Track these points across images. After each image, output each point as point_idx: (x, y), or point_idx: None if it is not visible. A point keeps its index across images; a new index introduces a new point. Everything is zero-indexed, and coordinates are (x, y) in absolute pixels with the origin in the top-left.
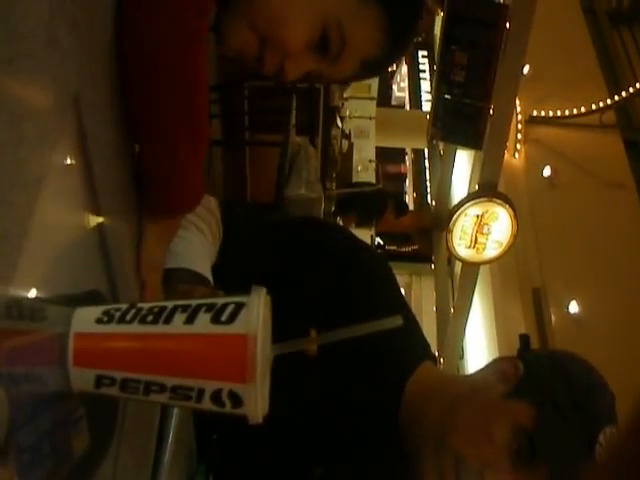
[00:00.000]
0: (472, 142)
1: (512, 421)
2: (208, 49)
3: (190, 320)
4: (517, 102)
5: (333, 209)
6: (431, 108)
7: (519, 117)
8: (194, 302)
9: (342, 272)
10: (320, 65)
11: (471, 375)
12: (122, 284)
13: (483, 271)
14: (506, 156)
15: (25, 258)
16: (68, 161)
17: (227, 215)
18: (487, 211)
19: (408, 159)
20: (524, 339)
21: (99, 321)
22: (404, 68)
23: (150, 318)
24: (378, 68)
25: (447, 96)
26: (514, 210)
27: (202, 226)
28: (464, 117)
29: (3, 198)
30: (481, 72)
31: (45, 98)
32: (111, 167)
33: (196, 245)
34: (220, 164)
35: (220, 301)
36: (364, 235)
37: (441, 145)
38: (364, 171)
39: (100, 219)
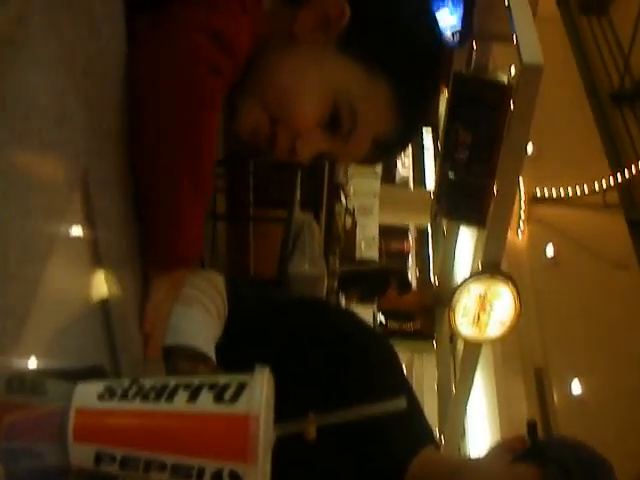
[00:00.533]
0: (475, 220)
1: None
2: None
3: (192, 398)
4: (521, 181)
5: (336, 285)
6: (435, 186)
7: (522, 196)
8: (197, 380)
9: (344, 354)
10: (332, 144)
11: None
12: (125, 359)
13: (485, 349)
14: (509, 235)
15: (28, 332)
16: (75, 235)
17: (232, 293)
18: (490, 289)
19: (411, 236)
20: (531, 426)
21: (101, 397)
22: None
23: (152, 395)
24: (391, 150)
25: (451, 174)
26: (517, 289)
27: (207, 303)
28: (468, 195)
29: (9, 272)
30: (485, 151)
31: (54, 173)
32: (117, 242)
33: (200, 322)
34: (224, 239)
35: (223, 380)
36: (366, 312)
37: (444, 223)
38: (367, 248)
39: (105, 294)
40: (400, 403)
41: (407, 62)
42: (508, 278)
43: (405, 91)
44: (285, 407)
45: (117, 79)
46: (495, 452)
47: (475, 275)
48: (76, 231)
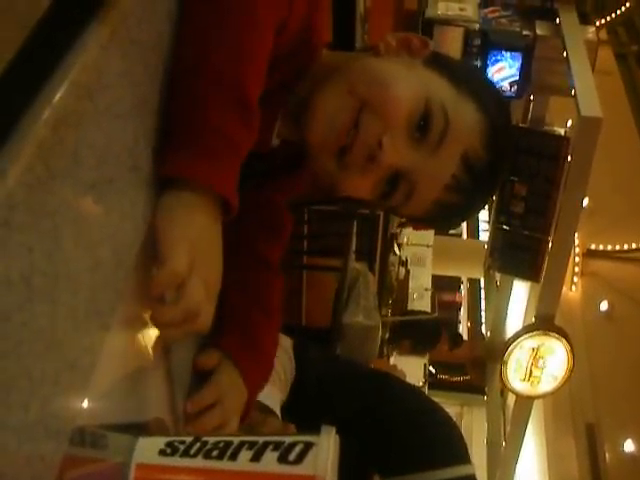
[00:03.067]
0: (530, 274)
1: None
2: None
3: (256, 458)
4: (576, 235)
5: (387, 336)
6: (489, 238)
7: (577, 250)
8: (261, 439)
9: (412, 426)
10: (417, 158)
11: None
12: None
13: (536, 404)
14: (563, 289)
15: (92, 386)
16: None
17: (300, 356)
18: (543, 344)
19: (464, 288)
20: None
21: (162, 453)
22: None
23: (215, 453)
24: (473, 189)
25: (505, 227)
26: (571, 344)
27: (278, 368)
28: (522, 248)
29: (77, 325)
30: (541, 204)
31: (122, 223)
32: None
33: (270, 385)
34: None
35: (288, 439)
36: (417, 363)
37: (497, 276)
38: (420, 299)
39: (167, 349)
40: (468, 469)
41: (489, 95)
42: (562, 335)
43: (490, 120)
44: (348, 468)
45: None
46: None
47: (528, 330)
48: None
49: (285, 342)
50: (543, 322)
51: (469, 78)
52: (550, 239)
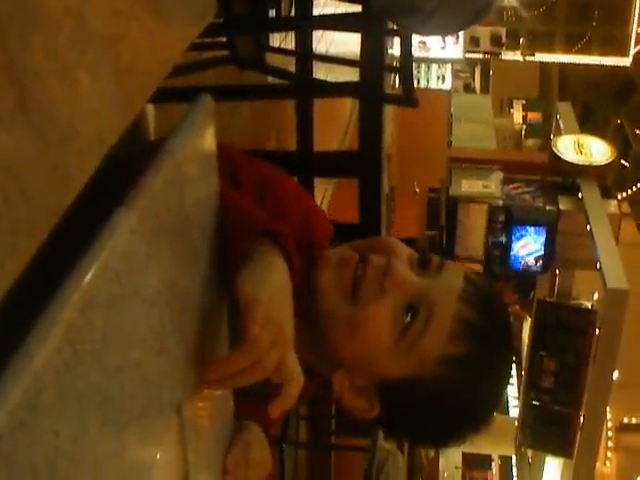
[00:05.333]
0: (562, 450)
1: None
2: None
3: None
4: (607, 408)
5: None
6: (519, 414)
7: (609, 424)
8: None
9: None
10: (424, 281)
11: None
12: None
13: None
14: (597, 464)
15: None
16: (167, 473)
17: None
18: None
19: (495, 466)
20: None
21: None
22: None
23: None
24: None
25: (535, 402)
26: None
27: None
28: (553, 424)
29: None
30: (571, 378)
31: (148, 408)
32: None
33: None
34: (305, 468)
35: None
36: None
37: (529, 452)
38: (450, 478)
39: None
40: None
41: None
42: None
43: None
44: None
45: (213, 315)
46: None
47: None
48: (168, 469)
49: None
50: None
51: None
52: (581, 414)
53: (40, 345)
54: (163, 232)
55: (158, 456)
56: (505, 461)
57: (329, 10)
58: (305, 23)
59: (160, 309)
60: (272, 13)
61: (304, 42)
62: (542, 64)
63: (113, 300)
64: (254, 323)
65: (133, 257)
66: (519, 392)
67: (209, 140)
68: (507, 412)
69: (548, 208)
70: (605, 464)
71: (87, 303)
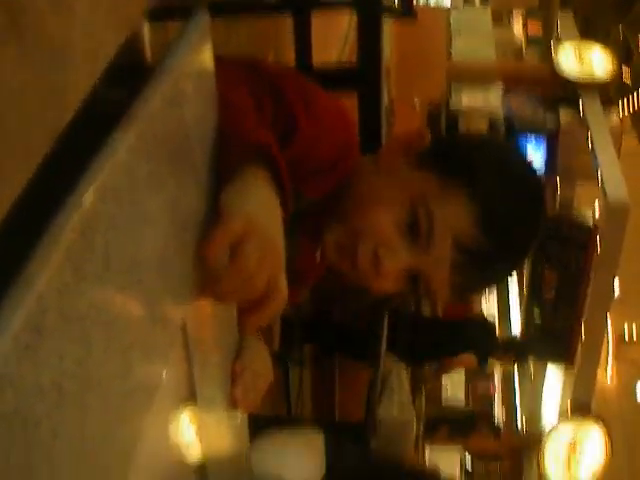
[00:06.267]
0: (563, 358)
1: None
2: None
3: None
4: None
5: (422, 430)
6: (521, 323)
7: (610, 336)
8: None
9: None
10: (415, 257)
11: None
12: None
13: None
14: (598, 375)
15: None
16: (173, 390)
17: (332, 452)
18: (580, 430)
19: (497, 378)
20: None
21: None
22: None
23: None
24: (480, 262)
25: (537, 315)
26: (609, 429)
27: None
28: (555, 336)
29: (109, 431)
30: (571, 291)
31: (152, 326)
32: (213, 396)
33: None
34: (309, 384)
35: None
36: (453, 455)
37: (532, 365)
38: (453, 390)
39: (201, 452)
40: None
41: (493, 177)
42: (599, 419)
43: (482, 204)
44: None
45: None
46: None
47: (564, 416)
48: (174, 386)
49: (316, 439)
50: (579, 408)
51: (470, 165)
52: (582, 323)
53: (41, 267)
54: (162, 151)
55: (164, 374)
56: (507, 374)
57: None
58: None
59: (162, 228)
60: None
61: None
62: None
63: (113, 220)
64: (226, 232)
65: (132, 177)
66: (521, 305)
67: (206, 57)
68: (509, 326)
69: (549, 118)
70: (606, 375)
71: (87, 224)
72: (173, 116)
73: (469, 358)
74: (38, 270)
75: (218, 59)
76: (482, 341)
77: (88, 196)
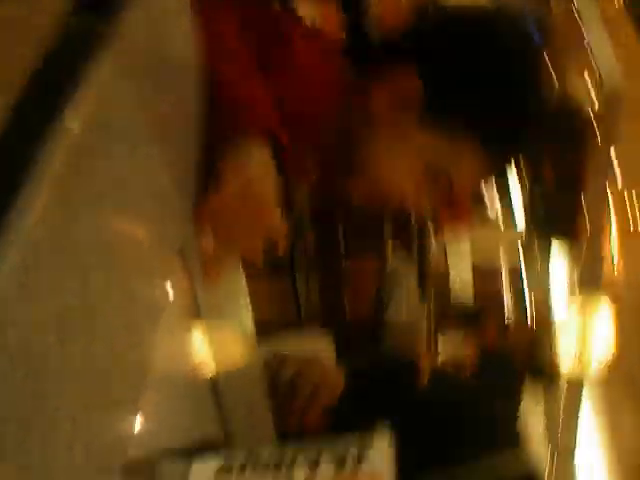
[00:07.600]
0: (568, 234)
1: None
2: None
3: (313, 469)
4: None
5: (433, 327)
6: (523, 203)
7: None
8: (315, 447)
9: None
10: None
11: None
12: (237, 429)
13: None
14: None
15: (140, 416)
16: (178, 314)
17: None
18: (589, 306)
19: (505, 275)
20: None
21: (218, 475)
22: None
23: (271, 467)
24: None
25: (537, 189)
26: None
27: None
28: (557, 210)
29: (118, 359)
30: (572, 168)
31: (150, 250)
32: (218, 314)
33: None
34: (316, 285)
35: (343, 444)
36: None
37: (538, 263)
38: (462, 282)
39: (211, 368)
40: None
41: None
42: (608, 293)
43: (494, 143)
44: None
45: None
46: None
47: (573, 300)
48: (179, 309)
49: (327, 349)
50: (588, 284)
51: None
52: (584, 198)
53: (29, 202)
54: (144, 70)
55: (170, 297)
56: (515, 272)
57: None
58: None
59: (150, 149)
60: None
61: None
62: None
63: (100, 147)
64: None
65: (114, 100)
66: (522, 193)
67: None
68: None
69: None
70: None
71: (74, 154)
72: (151, 35)
73: None
74: (26, 205)
75: None
76: None
77: (72, 125)
